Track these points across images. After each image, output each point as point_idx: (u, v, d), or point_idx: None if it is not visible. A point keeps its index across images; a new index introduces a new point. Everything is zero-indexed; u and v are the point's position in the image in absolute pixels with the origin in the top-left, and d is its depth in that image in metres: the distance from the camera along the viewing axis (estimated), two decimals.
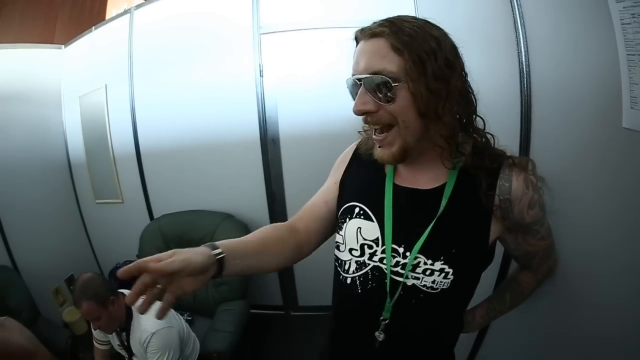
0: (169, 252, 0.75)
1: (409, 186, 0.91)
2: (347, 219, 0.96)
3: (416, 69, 0.74)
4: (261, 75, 2.51)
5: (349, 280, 0.95)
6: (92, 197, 3.46)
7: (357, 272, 0.94)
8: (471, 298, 0.99)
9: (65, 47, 3.31)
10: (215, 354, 2.22)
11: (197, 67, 2.74)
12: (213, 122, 2.70)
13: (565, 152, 1.12)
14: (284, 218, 2.72)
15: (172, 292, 0.72)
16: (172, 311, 2.05)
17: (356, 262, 0.94)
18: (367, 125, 0.90)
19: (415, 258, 0.85)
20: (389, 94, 0.76)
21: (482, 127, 0.87)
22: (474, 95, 0.83)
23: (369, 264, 0.92)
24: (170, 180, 3.01)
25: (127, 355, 2.02)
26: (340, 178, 1.05)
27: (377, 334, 0.92)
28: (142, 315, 1.85)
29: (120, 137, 3.09)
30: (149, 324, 1.87)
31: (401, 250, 0.88)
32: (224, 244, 0.84)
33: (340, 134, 2.49)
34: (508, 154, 0.88)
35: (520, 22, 1.28)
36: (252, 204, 2.76)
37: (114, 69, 3.01)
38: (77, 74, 3.27)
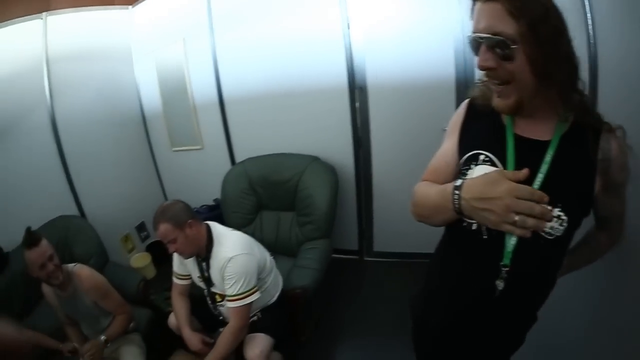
0: None
1: (528, 136, 0.94)
2: (473, 165, 0.98)
3: (530, 33, 0.80)
4: (348, 28, 2.54)
5: (474, 227, 0.97)
6: (167, 145, 3.64)
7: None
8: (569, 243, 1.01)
9: (134, 6, 3.48)
10: (300, 289, 2.29)
11: (285, 19, 2.77)
12: (300, 70, 2.76)
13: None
14: (369, 163, 2.80)
15: None
16: (255, 241, 2.14)
17: None
18: (485, 78, 0.94)
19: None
20: (507, 54, 0.83)
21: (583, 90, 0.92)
22: (577, 59, 0.87)
23: None
24: (254, 127, 3.11)
25: (205, 287, 2.10)
26: (458, 134, 1.08)
27: (497, 282, 0.96)
28: (222, 242, 1.97)
29: (201, 87, 3.21)
30: (228, 249, 1.93)
31: None
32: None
33: (425, 84, 2.51)
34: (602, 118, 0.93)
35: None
36: (338, 148, 2.82)
37: (192, 24, 3.12)
38: (149, 30, 3.41)
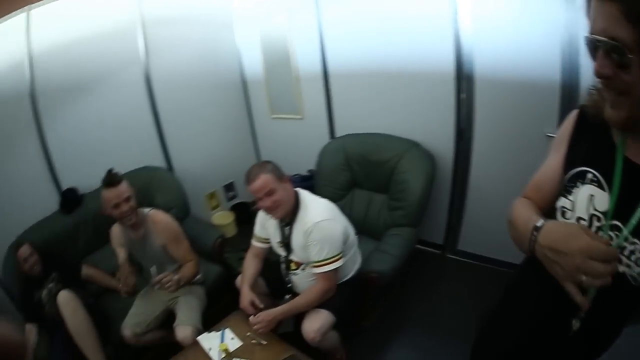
0: None
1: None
2: (579, 184, 0.88)
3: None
4: (457, 14, 2.39)
5: None
6: (267, 112, 3.71)
7: None
8: None
9: None
10: (376, 274, 2.26)
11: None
12: (407, 52, 2.65)
13: None
14: (468, 156, 2.66)
15: None
16: (340, 212, 2.12)
17: None
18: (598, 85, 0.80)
19: (634, 243, 0.78)
20: (623, 62, 0.68)
21: None
22: None
23: None
24: (356, 103, 3.06)
25: (285, 254, 2.12)
26: (565, 148, 0.96)
27: (574, 321, 0.89)
28: (308, 208, 1.97)
29: (306, 59, 3.20)
30: (316, 214, 1.94)
31: (625, 231, 0.79)
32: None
33: (532, 83, 2.31)
34: None
35: None
36: (439, 137, 2.71)
37: None
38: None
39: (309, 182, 3.14)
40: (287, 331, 2.18)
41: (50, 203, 2.86)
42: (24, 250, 2.48)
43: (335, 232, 1.95)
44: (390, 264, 2.33)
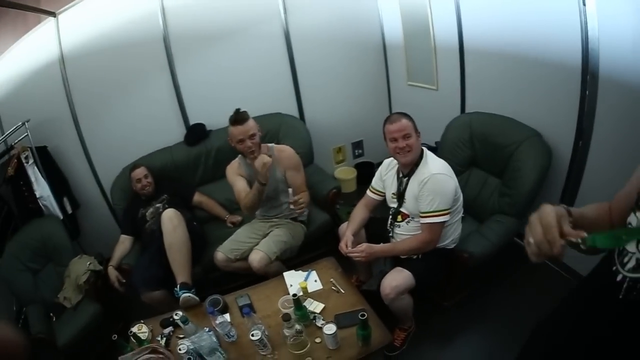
0: None
1: None
2: None
3: None
4: (584, 4, 2.17)
5: (618, 278, 0.75)
6: (404, 78, 3.75)
7: (634, 273, 0.72)
8: None
9: None
10: (468, 254, 2.23)
11: None
12: (539, 38, 2.49)
13: None
14: (584, 158, 2.45)
15: None
16: (454, 175, 2.14)
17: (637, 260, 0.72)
18: None
19: None
20: None
21: None
22: None
23: None
24: (488, 81, 2.97)
25: (396, 205, 2.21)
26: None
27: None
28: (429, 162, 2.06)
29: (443, 31, 3.14)
30: (434, 167, 2.05)
31: None
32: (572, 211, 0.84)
33: None
34: None
35: None
36: (559, 131, 2.53)
37: None
38: None
39: (434, 153, 3.12)
40: (370, 289, 2.23)
41: (176, 135, 3.22)
42: (140, 171, 2.83)
43: (449, 187, 2.03)
44: (484, 248, 2.28)
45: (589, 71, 2.26)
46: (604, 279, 0.80)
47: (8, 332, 0.70)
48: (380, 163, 2.35)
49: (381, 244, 2.17)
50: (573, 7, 2.21)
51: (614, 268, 0.77)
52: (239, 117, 2.33)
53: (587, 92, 2.29)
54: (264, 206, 2.64)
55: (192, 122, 3.26)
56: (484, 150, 2.73)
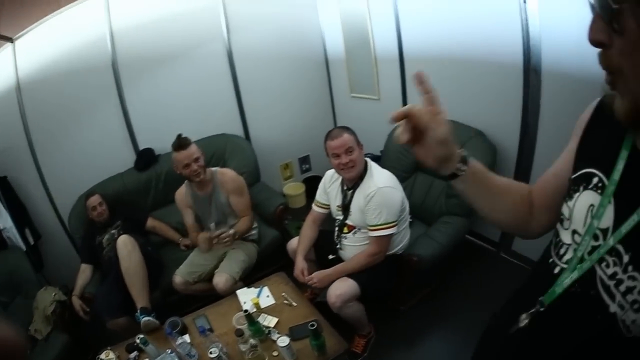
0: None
1: None
2: (582, 189, 0.70)
3: None
4: (524, 2, 2.26)
5: (556, 270, 0.71)
6: (346, 90, 3.82)
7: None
8: None
9: None
10: (416, 257, 2.26)
11: None
12: (478, 39, 2.58)
13: None
14: (532, 151, 2.53)
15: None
16: (399, 185, 2.19)
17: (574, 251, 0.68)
18: None
19: (634, 278, 0.56)
20: (616, 22, 0.49)
21: None
22: None
23: (584, 260, 0.66)
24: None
25: (342, 217, 2.24)
26: (578, 141, 0.79)
27: (523, 316, 0.75)
28: (373, 174, 2.09)
29: (382, 41, 3.23)
30: (380, 180, 2.07)
31: (626, 258, 0.58)
32: (475, 163, 0.83)
33: (599, 80, 2.03)
34: None
35: None
36: (504, 129, 2.61)
37: None
38: None
39: (378, 162, 3.14)
40: (322, 300, 2.27)
41: (126, 161, 3.24)
42: (94, 199, 2.84)
43: (395, 200, 2.07)
44: (432, 250, 2.33)
45: (530, 67, 2.33)
46: (543, 271, 0.76)
47: (7, 331, 0.67)
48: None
49: (332, 268, 2.18)
50: (513, 6, 2.28)
51: (551, 260, 0.75)
52: (182, 142, 2.38)
53: (530, 87, 2.37)
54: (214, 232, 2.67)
55: (141, 147, 3.27)
56: None
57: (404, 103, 3.26)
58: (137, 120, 3.27)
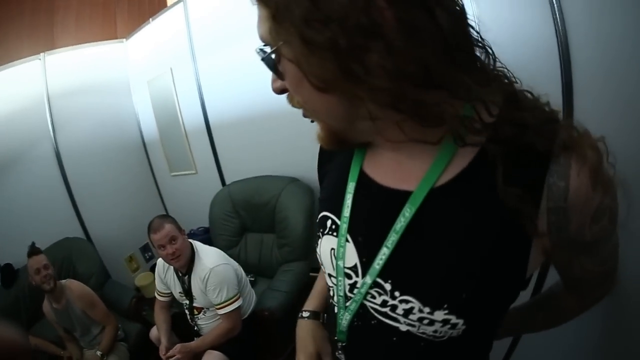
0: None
1: (385, 183, 0.61)
2: (321, 234, 0.71)
3: (276, 20, 0.48)
4: None
5: (336, 310, 0.71)
6: (167, 170, 3.85)
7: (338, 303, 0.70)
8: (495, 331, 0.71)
9: (127, 40, 3.74)
10: (267, 311, 2.35)
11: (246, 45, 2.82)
12: (268, 94, 2.78)
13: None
14: None
15: None
16: (228, 258, 2.27)
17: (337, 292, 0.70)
18: None
19: (406, 301, 0.58)
20: (277, 69, 0.54)
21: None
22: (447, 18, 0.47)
23: (350, 298, 0.67)
24: (239, 150, 3.19)
25: (187, 302, 2.24)
26: (320, 181, 0.80)
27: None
28: (202, 257, 2.14)
29: (190, 113, 3.35)
30: (209, 261, 2.11)
31: (388, 286, 0.60)
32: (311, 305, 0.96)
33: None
34: (562, 122, 0.52)
35: None
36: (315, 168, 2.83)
37: (177, 53, 3.27)
38: (142, 61, 3.64)
39: (209, 234, 3.25)
40: None
41: None
42: None
43: (230, 274, 2.13)
44: (279, 300, 2.42)
45: None
46: (332, 311, 0.78)
47: (10, 333, 0.67)
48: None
49: (194, 341, 2.20)
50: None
51: (330, 301, 0.77)
52: (33, 250, 2.37)
53: None
54: (83, 341, 2.60)
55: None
56: (250, 214, 2.91)
57: (219, 171, 3.40)
58: None
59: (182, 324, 2.39)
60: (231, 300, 2.10)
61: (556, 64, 1.11)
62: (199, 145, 3.41)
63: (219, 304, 2.09)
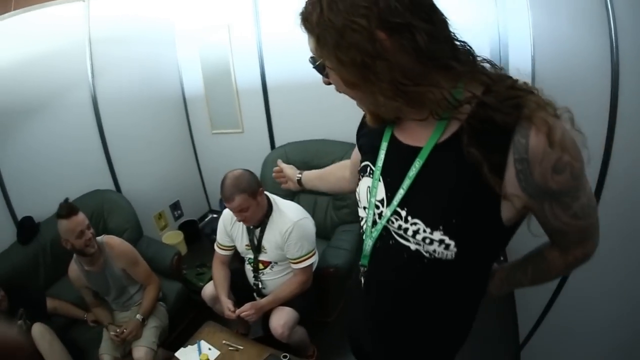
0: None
1: (406, 141, 0.86)
2: (362, 176, 0.98)
3: (318, 44, 0.76)
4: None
5: (364, 238, 0.98)
6: (204, 128, 3.84)
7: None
8: (488, 270, 0.99)
9: None
10: (333, 268, 2.42)
11: None
12: None
13: None
14: None
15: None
16: (307, 213, 2.27)
17: (367, 220, 0.97)
18: None
19: (415, 224, 0.82)
20: (325, 75, 0.84)
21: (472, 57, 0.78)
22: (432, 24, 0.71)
23: (376, 224, 0.93)
24: (295, 113, 3.22)
25: (252, 255, 2.21)
26: (357, 143, 1.10)
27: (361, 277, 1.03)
28: (282, 209, 2.12)
29: (244, 73, 3.35)
30: (292, 214, 2.10)
31: (403, 213, 0.85)
32: (306, 174, 1.51)
33: None
34: (532, 95, 0.71)
35: None
36: None
37: (236, 12, 3.25)
38: (192, 15, 3.57)
39: None
40: (258, 336, 2.28)
41: (7, 234, 2.69)
42: None
43: (312, 229, 2.17)
44: (345, 258, 2.48)
45: None
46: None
47: (10, 332, 0.67)
48: (205, 217, 2.33)
49: (264, 298, 2.16)
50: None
51: (361, 231, 1.02)
52: (70, 210, 2.13)
53: None
54: (117, 304, 2.47)
55: (19, 216, 2.71)
56: None
57: (270, 132, 3.41)
58: (13, 185, 2.68)
59: (239, 281, 2.34)
60: (309, 255, 2.11)
61: (607, 72, 1.21)
62: (250, 105, 3.41)
63: (297, 258, 2.09)
